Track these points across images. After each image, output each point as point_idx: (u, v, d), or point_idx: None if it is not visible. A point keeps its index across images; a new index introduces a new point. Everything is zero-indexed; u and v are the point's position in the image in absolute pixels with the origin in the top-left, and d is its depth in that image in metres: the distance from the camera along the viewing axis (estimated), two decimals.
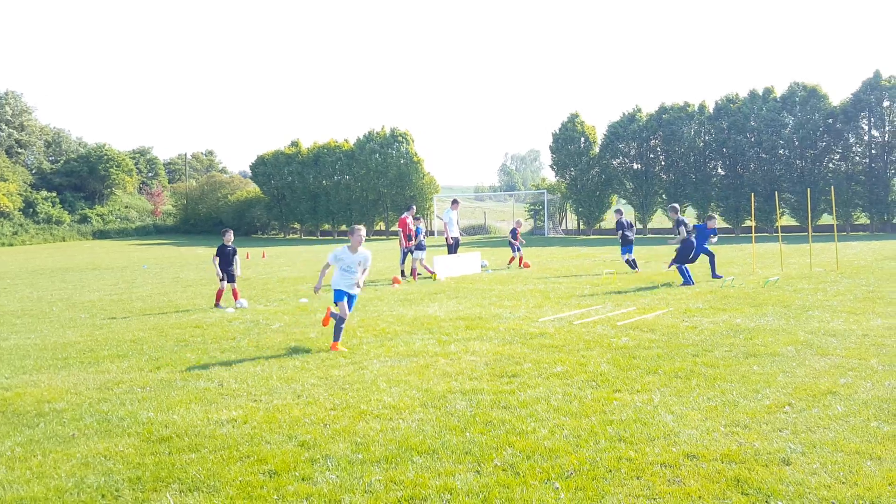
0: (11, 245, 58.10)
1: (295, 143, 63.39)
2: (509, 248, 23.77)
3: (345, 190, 59.37)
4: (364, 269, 9.68)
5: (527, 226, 56.66)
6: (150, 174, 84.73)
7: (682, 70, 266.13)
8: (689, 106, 48.56)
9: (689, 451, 5.01)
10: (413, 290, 16.18)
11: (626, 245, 19.25)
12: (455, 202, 21.86)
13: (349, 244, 9.55)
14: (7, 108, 70.89)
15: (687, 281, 15.41)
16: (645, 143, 49.84)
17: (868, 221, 43.73)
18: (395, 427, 5.77)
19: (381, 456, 5.11)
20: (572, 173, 52.42)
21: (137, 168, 79.44)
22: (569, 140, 52.13)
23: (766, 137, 44.91)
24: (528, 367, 7.74)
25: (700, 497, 4.29)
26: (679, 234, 16.14)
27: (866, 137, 43.74)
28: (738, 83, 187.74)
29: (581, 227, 53.87)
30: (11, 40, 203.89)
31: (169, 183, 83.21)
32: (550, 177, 58.95)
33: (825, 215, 44.84)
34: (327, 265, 9.67)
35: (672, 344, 8.80)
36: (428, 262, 20.11)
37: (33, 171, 70.32)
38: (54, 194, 67.36)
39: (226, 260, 14.41)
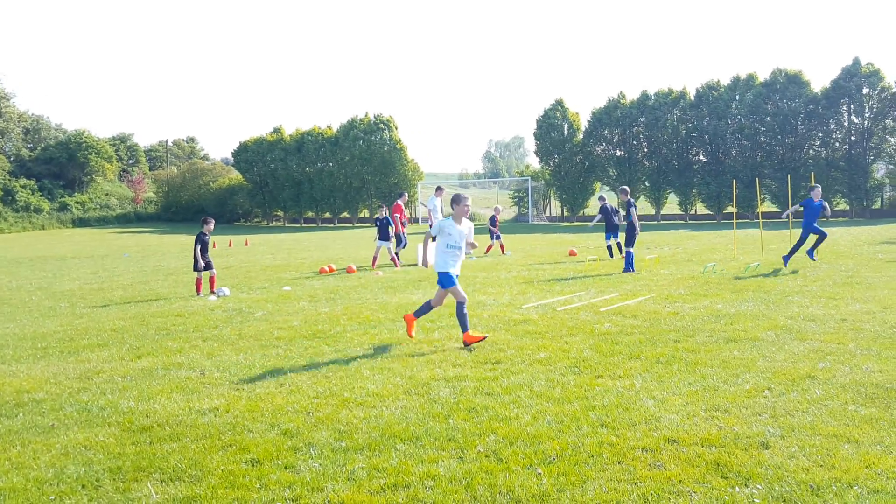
0: None
1: (277, 130, 62.98)
2: (488, 236, 23.63)
3: (328, 177, 59.10)
4: (469, 244, 8.71)
5: (511, 213, 56.79)
6: (130, 161, 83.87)
7: (666, 57, 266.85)
8: (672, 92, 48.69)
9: (670, 436, 5.05)
10: (397, 277, 16.16)
11: (612, 230, 19.31)
12: (440, 189, 21.81)
13: (452, 215, 8.44)
14: None
15: (628, 268, 15.43)
16: (628, 130, 49.98)
17: (847, 207, 44.17)
18: (379, 415, 5.77)
19: (365, 443, 5.11)
20: (556, 160, 52.51)
21: (118, 155, 78.56)
22: (552, 127, 52.17)
23: (748, 124, 45.17)
24: (511, 354, 7.77)
25: (680, 481, 4.33)
26: (630, 215, 15.94)
27: (846, 124, 44.11)
28: (720, 70, 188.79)
29: (565, 213, 54.02)
30: None
31: (150, 170, 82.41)
32: (534, 164, 59.15)
33: None
34: (430, 237, 8.67)
35: (654, 330, 8.86)
36: (413, 250, 20.11)
37: (11, 159, 69.39)
38: (33, 182, 66.52)
39: (204, 248, 14.31)
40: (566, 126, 52.15)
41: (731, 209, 43.43)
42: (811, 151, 44.93)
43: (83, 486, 4.56)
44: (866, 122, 43.31)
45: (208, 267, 14.29)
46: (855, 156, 43.19)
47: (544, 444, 4.99)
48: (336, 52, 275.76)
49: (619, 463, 4.63)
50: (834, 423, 5.21)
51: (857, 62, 43.07)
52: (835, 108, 43.61)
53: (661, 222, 47.30)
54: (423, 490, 4.32)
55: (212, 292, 14.09)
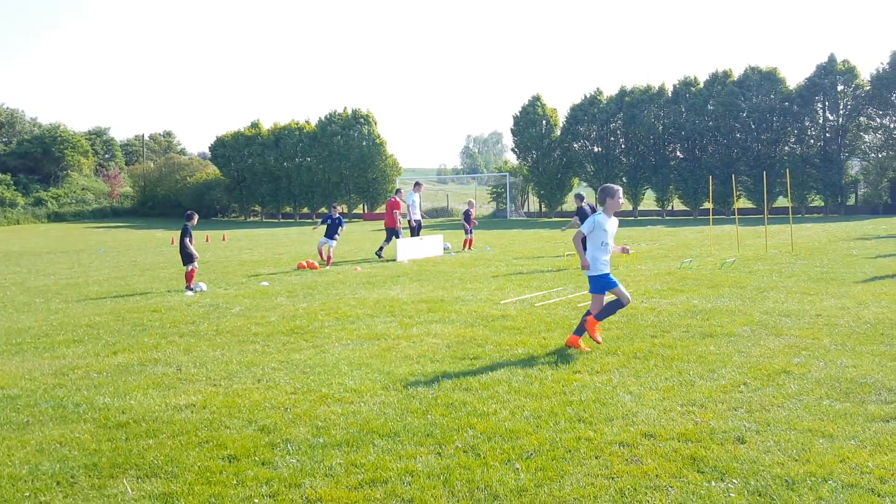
0: None
1: (255, 125, 62.42)
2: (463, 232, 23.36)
3: (306, 172, 58.72)
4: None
5: (489, 208, 56.82)
6: (106, 156, 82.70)
7: (643, 52, 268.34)
8: (649, 89, 48.95)
9: (647, 431, 5.09)
10: (376, 272, 16.13)
11: None
12: (418, 185, 21.81)
13: (604, 209, 7.73)
14: None
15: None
16: (605, 126, 50.14)
17: (822, 204, 44.74)
18: (357, 410, 5.76)
19: (342, 439, 5.10)
20: (534, 156, 52.58)
21: (94, 149, 77.44)
22: (530, 123, 52.22)
23: (724, 121, 45.56)
24: (489, 350, 7.78)
25: (657, 475, 4.36)
26: (573, 223, 16.17)
27: (821, 121, 44.63)
28: (697, 66, 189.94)
29: (543, 209, 54.17)
30: None
31: (126, 165, 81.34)
32: (513, 159, 59.07)
33: (781, 198, 45.74)
34: (583, 236, 7.68)
35: (631, 325, 8.92)
36: (391, 246, 20.07)
37: None
38: (8, 176, 65.31)
39: (191, 240, 14.27)
40: (544, 122, 52.24)
41: (708, 205, 43.87)
42: (786, 148, 45.39)
43: (58, 483, 4.50)
44: (841, 119, 43.83)
45: (191, 260, 14.17)
46: (830, 153, 43.72)
47: (522, 439, 5.01)
48: (315, 46, 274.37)
49: (596, 458, 4.66)
50: (809, 417, 5.28)
51: (832, 59, 43.54)
52: (810, 105, 44.06)
53: (639, 218, 47.59)
54: (400, 485, 4.32)
55: (188, 288, 13.97)
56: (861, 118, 43.45)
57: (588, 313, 7.73)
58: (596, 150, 51.00)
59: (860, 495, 4.01)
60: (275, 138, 60.24)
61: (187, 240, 14.14)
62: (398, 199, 21.04)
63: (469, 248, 22.45)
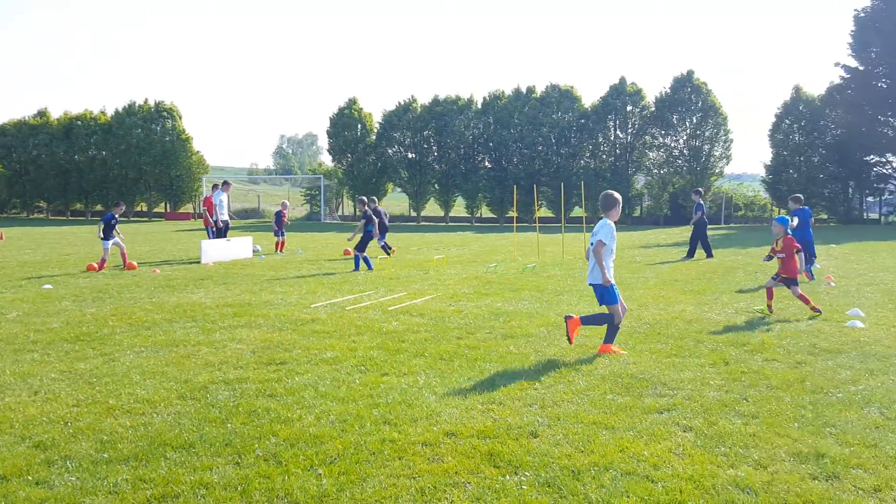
0: None
1: (42, 113, 56.83)
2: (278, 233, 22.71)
3: (101, 166, 54.31)
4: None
5: (303, 211, 55.90)
6: None
7: (456, 64, 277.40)
8: (459, 99, 50.64)
9: (449, 430, 5.21)
10: (177, 275, 15.26)
11: (382, 231, 19.71)
12: (226, 183, 20.99)
13: (609, 216, 7.72)
14: None
15: (367, 265, 16.33)
16: (419, 134, 51.19)
17: None
18: (149, 422, 5.38)
19: (130, 453, 4.74)
20: (349, 159, 52.49)
21: None
22: (346, 126, 52.09)
23: (528, 134, 48.17)
24: (297, 354, 7.62)
25: (456, 472, 4.48)
26: (359, 226, 17.02)
27: (612, 138, 48.51)
28: (504, 81, 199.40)
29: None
30: None
31: None
32: (328, 162, 58.58)
33: (577, 208, 49.11)
34: (607, 247, 7.60)
35: (439, 327, 9.13)
36: (197, 247, 19.08)
37: None
38: None
39: None
40: (360, 125, 52.31)
41: (513, 213, 46.15)
42: (582, 162, 48.82)
43: None
44: (629, 136, 47.86)
45: None
46: (619, 167, 47.61)
47: (326, 444, 4.94)
48: (112, 30, 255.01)
49: (399, 458, 4.70)
50: (595, 411, 5.67)
51: (623, 81, 47.50)
52: (603, 122, 47.72)
53: (450, 224, 49.04)
54: (194, 499, 4.09)
55: None
56: (646, 137, 47.69)
57: (607, 321, 7.71)
58: (410, 156, 51.87)
59: (636, 482, 4.36)
60: (65, 129, 55.15)
61: None
62: (212, 195, 20.19)
63: (281, 250, 21.90)
